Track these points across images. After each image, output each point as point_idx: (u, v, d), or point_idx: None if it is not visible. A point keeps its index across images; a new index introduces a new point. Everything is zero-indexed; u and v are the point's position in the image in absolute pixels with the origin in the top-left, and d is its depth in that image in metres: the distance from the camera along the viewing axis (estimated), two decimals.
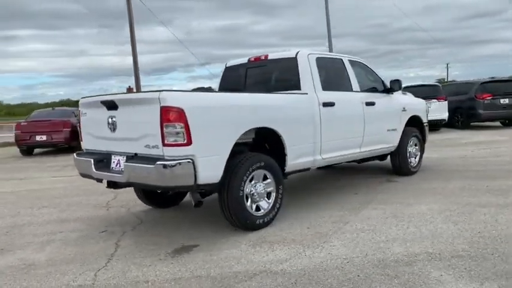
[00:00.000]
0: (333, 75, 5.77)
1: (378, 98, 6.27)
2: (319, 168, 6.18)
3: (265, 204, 4.57)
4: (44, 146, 13.96)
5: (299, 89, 5.21)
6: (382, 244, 3.88)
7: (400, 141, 6.73)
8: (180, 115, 3.75)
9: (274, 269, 3.46)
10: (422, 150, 7.30)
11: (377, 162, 7.11)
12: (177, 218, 5.12)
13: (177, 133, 3.76)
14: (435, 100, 14.24)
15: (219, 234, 4.39)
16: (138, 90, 18.30)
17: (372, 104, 6.04)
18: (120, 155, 4.31)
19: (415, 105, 7.25)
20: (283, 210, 4.89)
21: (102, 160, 4.52)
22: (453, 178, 6.56)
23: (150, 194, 5.40)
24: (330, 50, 20.84)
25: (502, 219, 4.40)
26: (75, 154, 4.93)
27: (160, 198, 5.50)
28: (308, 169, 5.32)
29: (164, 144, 3.79)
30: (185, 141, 3.78)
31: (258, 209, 4.51)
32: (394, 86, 6.40)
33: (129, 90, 19.25)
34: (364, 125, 5.88)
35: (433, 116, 14.01)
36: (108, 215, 5.51)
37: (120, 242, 4.37)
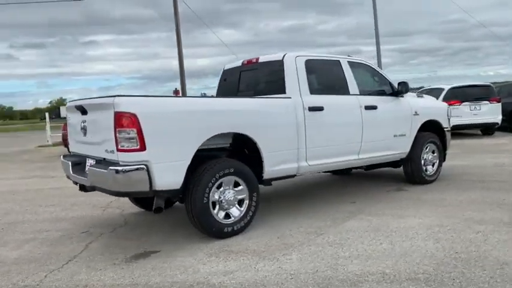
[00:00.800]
0: (325, 78, 5.49)
1: (383, 102, 5.87)
2: (331, 172, 5.90)
3: (236, 212, 4.44)
4: None
5: (284, 92, 5.02)
6: (341, 260, 3.61)
7: (412, 148, 6.26)
8: (133, 120, 3.74)
9: (213, 281, 3.34)
10: (441, 158, 6.73)
11: (393, 169, 6.69)
12: (160, 222, 5.13)
13: (130, 138, 3.76)
14: (487, 102, 13.11)
15: (187, 241, 4.34)
16: (184, 93, 18.79)
17: (373, 107, 5.67)
18: (93, 159, 4.40)
19: (432, 108, 6.70)
20: (266, 217, 4.74)
21: (80, 163, 4.65)
22: (471, 189, 5.99)
23: (138, 197, 5.47)
24: (378, 50, 19.99)
25: (492, 239, 3.92)
26: (61, 156, 5.12)
27: (149, 201, 5.55)
28: (293, 176, 5.10)
29: (118, 150, 3.80)
30: (138, 147, 3.77)
31: (228, 216, 4.40)
32: (401, 88, 5.96)
33: (176, 93, 19.77)
34: (362, 131, 5.53)
35: (484, 119, 13.04)
36: (100, 215, 5.67)
37: (92, 243, 4.46)
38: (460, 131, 13.44)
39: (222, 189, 4.33)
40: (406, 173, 6.50)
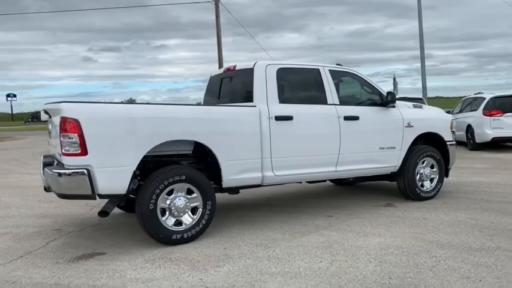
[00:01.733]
0: (300, 87, 5.35)
1: (367, 112, 5.60)
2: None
3: (188, 220, 4.44)
4: None
5: (252, 101, 4.95)
6: (266, 277, 3.49)
7: (405, 161, 5.90)
8: (75, 126, 3.88)
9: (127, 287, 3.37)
10: (442, 173, 6.28)
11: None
12: (130, 225, 5.22)
13: (73, 143, 3.90)
14: None
15: (136, 246, 4.39)
16: None
17: (354, 118, 5.41)
18: (56, 161, 4.62)
19: (430, 120, 6.27)
20: (230, 227, 4.74)
21: (50, 164, 4.89)
22: (466, 209, 5.53)
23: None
24: (422, 58, 18.93)
25: (441, 266, 3.60)
26: (42, 156, 5.42)
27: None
28: (258, 186, 5.00)
29: (62, 153, 3.96)
30: (80, 151, 3.90)
31: (180, 223, 4.41)
32: (388, 98, 5.65)
33: None
34: (340, 142, 5.30)
35: None
36: (83, 214, 5.91)
37: (54, 241, 4.67)
38: (503, 143, 12.48)
39: (173, 196, 4.35)
40: (399, 188, 6.13)
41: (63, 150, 3.94)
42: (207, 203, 4.50)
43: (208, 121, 4.55)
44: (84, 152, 3.90)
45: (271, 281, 3.39)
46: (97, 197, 4.07)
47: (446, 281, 3.29)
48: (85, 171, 3.90)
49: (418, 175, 6.05)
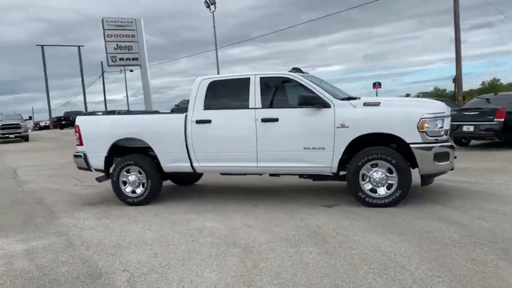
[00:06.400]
0: (226, 95, 6.33)
1: (290, 114, 5.90)
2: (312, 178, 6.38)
3: (139, 190, 6.71)
4: None
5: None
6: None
7: (351, 163, 5.73)
8: (78, 128, 6.95)
9: (69, 228, 6.16)
10: (406, 180, 5.49)
11: None
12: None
13: (77, 138, 6.99)
14: None
15: (103, 205, 6.87)
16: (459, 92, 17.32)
17: (272, 120, 5.92)
18: None
19: (380, 120, 5.54)
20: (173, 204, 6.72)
21: None
22: (396, 216, 5.04)
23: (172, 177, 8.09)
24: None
25: (173, 255, 4.51)
26: None
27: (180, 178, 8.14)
28: (192, 172, 6.53)
29: (76, 145, 7.11)
30: (79, 143, 6.95)
31: (134, 192, 6.74)
32: (299, 101, 5.72)
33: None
34: (256, 141, 6.00)
35: None
36: (75, 190, 8.47)
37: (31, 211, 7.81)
38: None
39: (130, 174, 6.73)
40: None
41: (76, 142, 7.10)
42: (149, 181, 6.61)
43: (146, 125, 6.63)
44: (81, 143, 6.93)
45: (87, 234, 5.39)
46: (93, 170, 7.03)
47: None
48: (82, 155, 6.93)
49: (368, 179, 5.66)
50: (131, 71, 48.15)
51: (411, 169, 5.68)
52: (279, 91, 6.22)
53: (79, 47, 53.85)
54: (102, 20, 23.94)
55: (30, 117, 49.23)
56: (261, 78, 6.17)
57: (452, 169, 6.10)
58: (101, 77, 57.82)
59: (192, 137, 6.32)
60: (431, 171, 5.57)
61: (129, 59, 26.44)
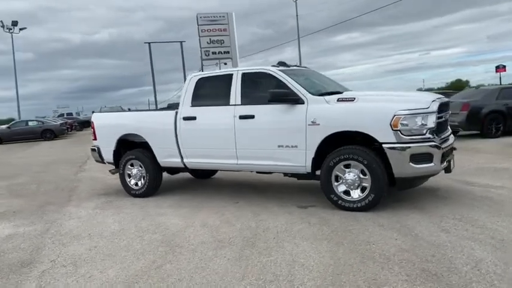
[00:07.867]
0: (210, 92, 6.31)
1: (265, 111, 5.69)
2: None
3: (140, 183, 7.09)
4: None
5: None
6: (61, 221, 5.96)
7: (323, 163, 5.40)
8: (92, 125, 7.55)
9: (66, 218, 6.81)
10: (379, 182, 4.98)
11: None
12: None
13: (92, 133, 7.60)
14: None
15: (106, 197, 7.41)
16: None
17: (249, 117, 5.78)
18: None
19: (351, 117, 5.04)
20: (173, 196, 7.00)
21: None
22: (334, 218, 4.70)
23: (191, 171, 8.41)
24: None
25: (103, 251, 4.74)
26: None
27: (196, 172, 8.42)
28: (184, 167, 6.67)
29: (92, 139, 7.73)
30: (94, 138, 7.56)
31: (136, 184, 7.15)
32: (269, 97, 5.46)
33: None
34: (235, 138, 5.93)
35: None
36: (107, 180, 9.03)
37: (54, 198, 8.42)
38: None
39: (133, 167, 7.14)
40: None
41: (92, 137, 7.72)
42: (147, 174, 6.95)
43: (143, 122, 6.94)
44: (95, 138, 7.53)
45: (67, 223, 5.86)
46: (106, 163, 7.60)
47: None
48: (96, 148, 7.54)
49: (342, 180, 5.27)
50: (225, 64, 49.82)
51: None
52: (259, 87, 6.04)
53: (181, 42, 57.14)
54: (197, 16, 25.16)
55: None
56: (243, 74, 6.06)
57: (450, 172, 5.40)
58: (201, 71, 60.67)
59: (180, 133, 6.48)
60: (407, 174, 4.96)
61: (221, 53, 27.56)
